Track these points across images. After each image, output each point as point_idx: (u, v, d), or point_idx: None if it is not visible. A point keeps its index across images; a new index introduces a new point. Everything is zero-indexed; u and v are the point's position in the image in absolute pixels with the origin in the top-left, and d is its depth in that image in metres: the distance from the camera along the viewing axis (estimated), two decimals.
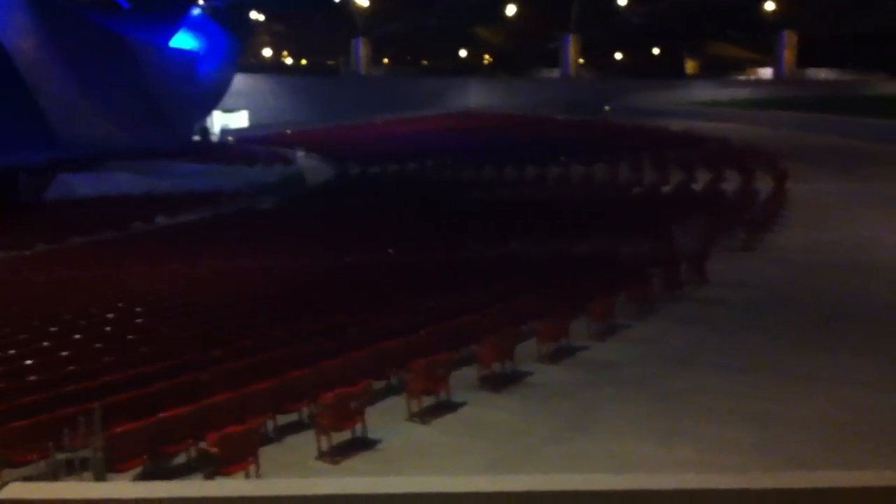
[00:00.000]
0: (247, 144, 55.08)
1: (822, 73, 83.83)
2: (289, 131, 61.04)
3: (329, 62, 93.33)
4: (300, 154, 48.28)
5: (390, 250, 23.38)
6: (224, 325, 15.44)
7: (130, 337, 14.89)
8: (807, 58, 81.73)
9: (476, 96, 78.64)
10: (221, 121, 69.33)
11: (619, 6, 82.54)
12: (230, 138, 63.31)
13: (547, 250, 21.50)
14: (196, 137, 61.26)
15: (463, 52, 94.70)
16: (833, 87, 77.64)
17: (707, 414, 11.15)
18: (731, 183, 29.54)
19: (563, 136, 50.03)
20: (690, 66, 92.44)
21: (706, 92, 75.49)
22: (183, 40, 58.14)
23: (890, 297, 16.66)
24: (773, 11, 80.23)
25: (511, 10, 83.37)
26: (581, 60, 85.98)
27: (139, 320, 16.46)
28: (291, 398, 11.41)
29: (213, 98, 62.43)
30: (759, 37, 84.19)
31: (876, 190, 29.15)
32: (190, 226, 30.99)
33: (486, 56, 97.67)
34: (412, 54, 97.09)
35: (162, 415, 9.99)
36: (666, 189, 30.12)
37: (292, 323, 15.03)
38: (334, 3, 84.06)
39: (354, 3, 79.94)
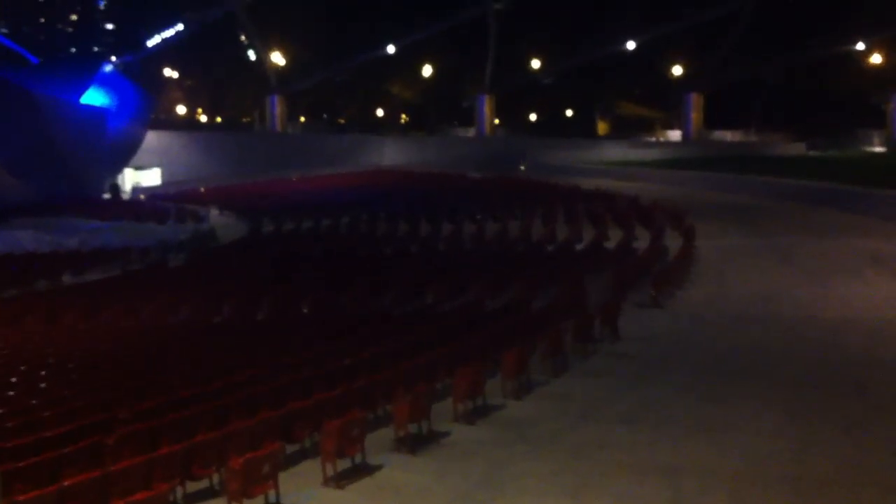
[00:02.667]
0: (158, 201, 54.23)
1: (727, 135, 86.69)
2: (202, 188, 60.37)
3: (244, 119, 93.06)
4: (213, 211, 47.75)
5: (305, 310, 23.17)
6: (129, 385, 15.03)
7: (33, 402, 14.38)
8: (713, 119, 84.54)
9: (391, 154, 79.12)
10: (133, 178, 68.27)
11: (532, 68, 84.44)
12: (141, 195, 62.32)
13: (461, 304, 21.58)
14: (106, 194, 60.16)
15: (379, 111, 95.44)
16: (738, 148, 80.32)
17: (617, 468, 11.26)
18: (640, 240, 30.14)
19: (478, 192, 50.54)
20: (602, 126, 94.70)
21: (617, 151, 77.33)
22: (94, 96, 57.32)
23: (795, 347, 17.09)
24: (680, 75, 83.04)
25: (427, 69, 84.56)
26: (496, 119, 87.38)
27: (42, 385, 15.92)
28: (200, 462, 11.11)
29: (125, 155, 61.57)
30: (667, 99, 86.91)
31: (779, 245, 30.07)
32: (97, 284, 30.24)
33: (402, 114, 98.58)
34: (327, 112, 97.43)
35: (65, 482, 9.64)
36: (578, 245, 30.56)
37: (199, 382, 14.70)
38: (249, 60, 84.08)
39: (270, 61, 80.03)
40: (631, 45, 79.88)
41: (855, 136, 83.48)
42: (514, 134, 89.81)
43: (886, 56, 76.99)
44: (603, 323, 18.10)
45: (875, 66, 77.78)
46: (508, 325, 18.15)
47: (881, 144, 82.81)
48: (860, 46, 77.70)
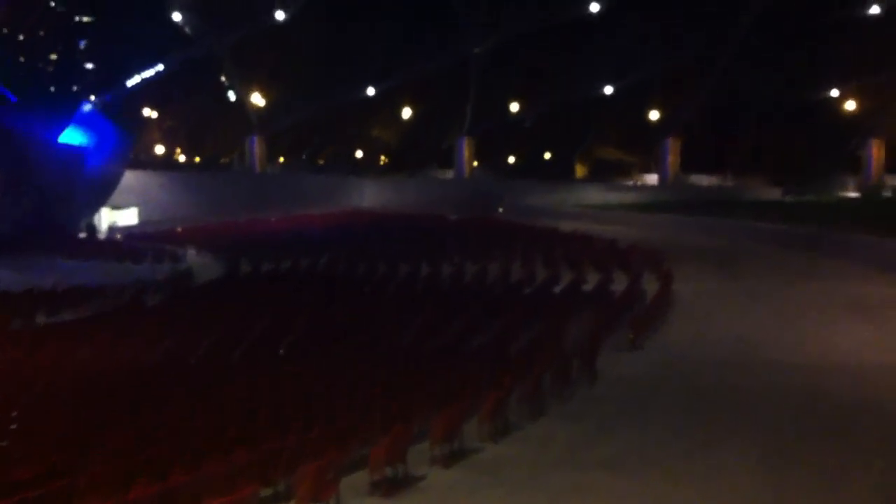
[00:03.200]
0: (135, 241, 53.89)
1: (704, 179, 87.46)
2: (179, 228, 60.10)
3: (223, 159, 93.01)
4: (190, 251, 47.49)
5: (280, 350, 22.99)
6: (102, 426, 14.80)
7: (3, 443, 14.14)
8: (690, 164, 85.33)
9: (370, 194, 79.20)
10: (110, 217, 67.88)
11: (511, 111, 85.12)
12: (118, 235, 61.94)
13: (438, 346, 21.47)
14: (82, 233, 59.75)
15: (358, 152, 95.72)
16: (715, 192, 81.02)
17: None
18: (618, 282, 30.19)
19: (457, 234, 50.62)
20: (580, 169, 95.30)
21: (595, 194, 77.81)
22: (72, 135, 57.13)
23: (775, 392, 17.09)
24: (658, 120, 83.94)
25: (406, 111, 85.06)
26: (475, 162, 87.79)
27: (13, 426, 15.66)
28: None
29: (102, 194, 61.24)
30: (645, 143, 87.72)
31: (757, 289, 30.20)
32: (72, 324, 29.90)
33: (381, 155, 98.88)
34: (307, 152, 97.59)
35: None
36: (557, 287, 30.56)
37: (173, 423, 14.51)
38: (230, 100, 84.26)
39: (250, 101, 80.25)
40: (609, 89, 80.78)
41: (831, 181, 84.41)
42: (493, 176, 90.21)
43: (860, 103, 78.21)
44: (581, 365, 18.05)
45: (850, 113, 78.96)
46: (486, 367, 18.06)
47: (856, 189, 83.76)
48: (835, 93, 78.92)
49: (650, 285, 28.73)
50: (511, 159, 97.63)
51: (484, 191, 78.23)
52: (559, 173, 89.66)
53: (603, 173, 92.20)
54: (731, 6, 72.29)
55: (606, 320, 22.80)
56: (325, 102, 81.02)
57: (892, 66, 71.60)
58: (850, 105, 78.67)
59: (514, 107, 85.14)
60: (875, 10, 68.77)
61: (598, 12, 73.27)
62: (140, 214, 69.14)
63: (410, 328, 23.80)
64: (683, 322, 24.42)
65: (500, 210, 69.99)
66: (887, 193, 78.11)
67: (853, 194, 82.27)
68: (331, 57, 78.31)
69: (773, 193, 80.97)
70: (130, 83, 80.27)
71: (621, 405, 16.55)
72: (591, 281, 30.88)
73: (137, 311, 32.04)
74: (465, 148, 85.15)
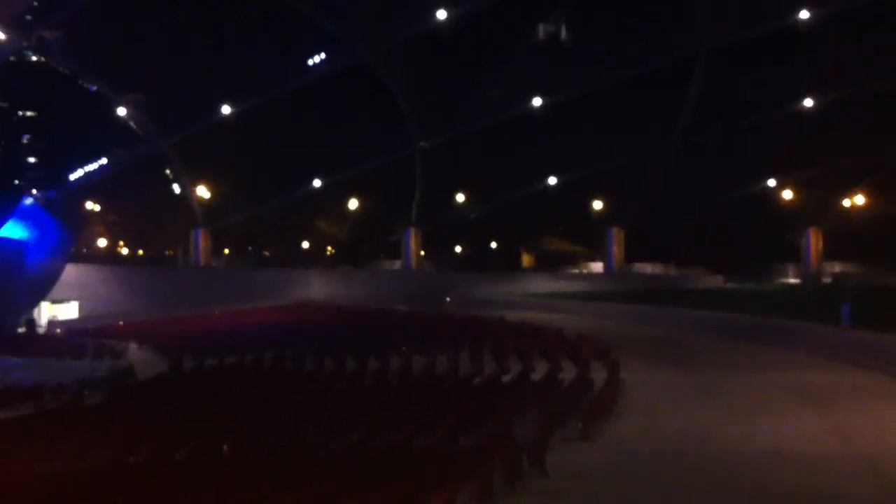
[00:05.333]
0: (75, 336, 52.76)
1: (648, 268, 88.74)
2: (121, 322, 59.07)
3: (167, 252, 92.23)
4: (132, 346, 46.61)
5: (224, 446, 22.39)
6: None
7: None
8: (634, 253, 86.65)
9: (318, 287, 78.85)
10: (50, 311, 66.58)
11: (458, 203, 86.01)
12: (58, 330, 60.67)
13: (387, 444, 21.08)
14: (21, 329, 58.42)
15: (305, 244, 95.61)
16: (659, 281, 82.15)
17: None
18: (566, 372, 30.12)
19: (405, 326, 50.39)
20: (527, 259, 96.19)
21: (542, 284, 78.43)
22: (13, 230, 56.31)
23: (727, 484, 16.99)
24: (602, 211, 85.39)
25: (353, 203, 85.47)
26: (422, 252, 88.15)
27: None
28: None
29: (42, 289, 60.17)
30: (590, 234, 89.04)
31: (704, 378, 30.31)
32: (8, 423, 28.91)
33: (328, 248, 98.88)
34: (253, 245, 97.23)
35: None
36: (505, 379, 30.38)
37: None
38: (175, 194, 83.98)
39: (195, 195, 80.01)
40: (553, 181, 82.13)
41: (771, 269, 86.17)
42: (441, 267, 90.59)
43: (798, 194, 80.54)
44: (531, 459, 17.80)
45: (788, 203, 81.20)
46: (435, 464, 17.73)
47: (796, 277, 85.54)
48: (772, 183, 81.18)
49: (598, 375, 28.69)
50: (458, 250, 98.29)
51: (432, 282, 78.41)
52: (506, 263, 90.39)
53: (549, 263, 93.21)
54: (674, 101, 74.45)
55: (556, 412, 22.63)
56: (272, 196, 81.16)
57: (826, 160, 74.14)
58: (789, 195, 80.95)
59: (461, 198, 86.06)
60: (809, 104, 71.35)
61: (543, 108, 74.79)
62: (81, 309, 67.92)
63: (357, 428, 23.35)
64: (632, 413, 24.34)
65: (448, 301, 70.04)
66: (826, 280, 79.88)
67: (793, 281, 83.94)
68: (278, 151, 78.75)
69: (716, 282, 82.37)
70: (74, 178, 79.80)
71: (571, 499, 16.30)
72: (540, 371, 30.78)
73: (77, 409, 31.13)
74: (413, 240, 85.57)
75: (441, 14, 65.76)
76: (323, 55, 73.73)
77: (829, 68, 67.27)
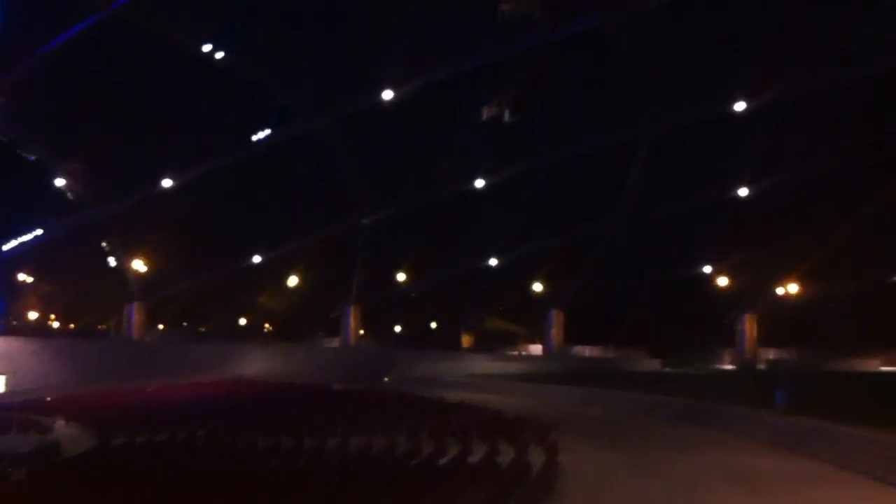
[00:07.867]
0: (1, 411, 51.04)
1: (586, 350, 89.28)
2: (48, 397, 57.34)
3: (100, 326, 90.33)
4: (59, 422, 45.18)
5: None
6: None
7: None
8: (573, 335, 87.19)
9: (255, 363, 77.59)
10: None
11: (398, 280, 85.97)
12: None
13: None
14: None
15: (242, 319, 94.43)
16: (597, 363, 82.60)
17: None
18: (504, 454, 29.82)
19: (342, 405, 49.69)
20: (466, 339, 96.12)
21: (481, 364, 78.21)
22: None
23: None
24: (542, 292, 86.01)
25: (293, 280, 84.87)
26: (361, 330, 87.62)
27: None
28: None
29: None
30: (530, 315, 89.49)
31: (641, 460, 30.24)
32: None
33: (266, 323, 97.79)
34: (189, 319, 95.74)
35: None
36: (443, 461, 29.95)
37: None
38: (110, 266, 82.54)
39: (131, 268, 78.74)
40: (494, 261, 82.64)
41: (707, 354, 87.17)
42: (380, 345, 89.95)
43: (731, 279, 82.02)
44: None
45: (724, 289, 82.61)
46: None
47: (731, 362, 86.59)
48: (707, 269, 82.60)
49: (536, 457, 28.45)
50: (398, 328, 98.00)
51: (370, 360, 77.75)
52: (446, 343, 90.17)
53: (489, 343, 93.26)
54: (613, 184, 75.62)
55: (494, 495, 22.30)
56: (210, 269, 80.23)
57: (760, 246, 75.79)
58: (724, 281, 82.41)
59: (402, 277, 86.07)
60: (744, 192, 72.99)
61: (484, 189, 75.48)
62: (8, 383, 65.93)
63: None
64: (572, 495, 24.11)
65: (387, 380, 69.37)
66: (761, 366, 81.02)
67: (729, 366, 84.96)
68: (218, 224, 78.11)
69: (654, 365, 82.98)
70: (7, 248, 78.09)
71: None
72: (477, 452, 30.43)
73: (1, 485, 29.91)
74: (352, 316, 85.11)
75: (387, 94, 66.28)
76: (267, 130, 73.64)
77: (764, 154, 69.04)
